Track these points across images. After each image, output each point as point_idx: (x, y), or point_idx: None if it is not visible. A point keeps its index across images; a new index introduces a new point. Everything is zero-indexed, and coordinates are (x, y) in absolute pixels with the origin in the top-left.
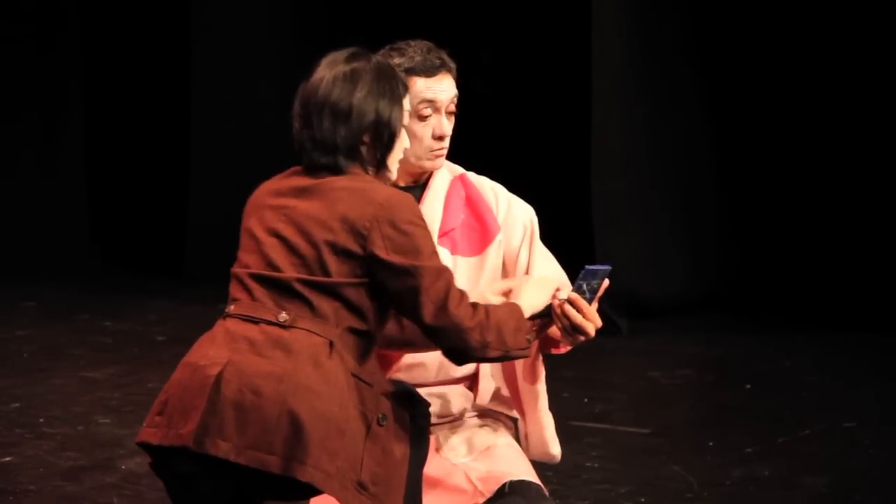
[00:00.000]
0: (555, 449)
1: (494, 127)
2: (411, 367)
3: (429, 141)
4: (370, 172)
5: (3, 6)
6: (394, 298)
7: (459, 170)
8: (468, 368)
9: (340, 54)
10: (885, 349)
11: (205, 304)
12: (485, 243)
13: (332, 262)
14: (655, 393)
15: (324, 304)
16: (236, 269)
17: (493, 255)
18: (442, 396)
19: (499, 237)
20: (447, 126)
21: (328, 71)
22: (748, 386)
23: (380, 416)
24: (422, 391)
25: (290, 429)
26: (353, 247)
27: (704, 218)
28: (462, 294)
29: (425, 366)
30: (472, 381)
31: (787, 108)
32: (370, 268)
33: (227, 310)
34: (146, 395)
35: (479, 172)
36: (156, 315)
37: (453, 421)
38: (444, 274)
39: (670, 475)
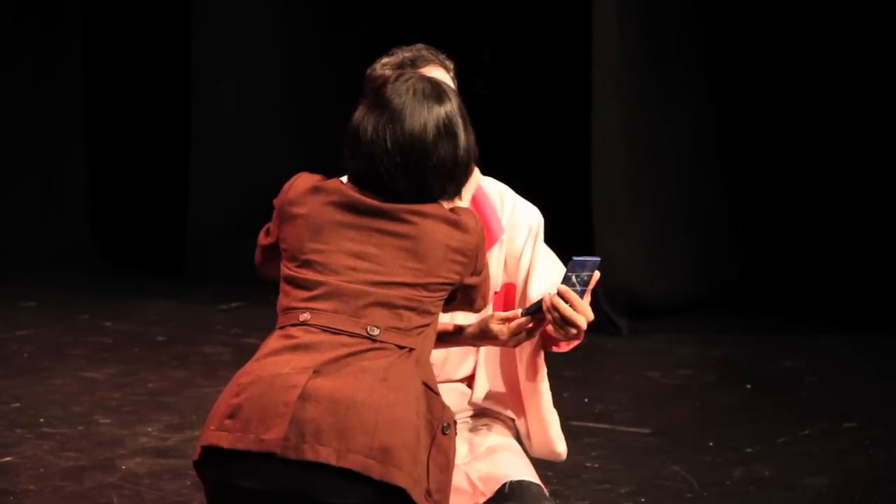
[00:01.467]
0: (560, 446)
1: (495, 127)
2: None
3: None
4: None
5: (4, 4)
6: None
7: None
8: (468, 367)
9: (421, 84)
10: (885, 349)
11: (205, 304)
12: (488, 245)
13: (430, 288)
14: (655, 393)
15: (412, 319)
16: (311, 278)
17: (496, 257)
18: (444, 395)
19: (501, 239)
20: None
21: (425, 114)
22: (748, 386)
23: (444, 424)
24: None
25: (385, 435)
26: (451, 276)
27: (705, 218)
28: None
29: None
30: (470, 381)
31: (787, 108)
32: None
33: (301, 318)
34: (146, 395)
35: (480, 172)
36: (156, 315)
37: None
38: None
39: (670, 475)
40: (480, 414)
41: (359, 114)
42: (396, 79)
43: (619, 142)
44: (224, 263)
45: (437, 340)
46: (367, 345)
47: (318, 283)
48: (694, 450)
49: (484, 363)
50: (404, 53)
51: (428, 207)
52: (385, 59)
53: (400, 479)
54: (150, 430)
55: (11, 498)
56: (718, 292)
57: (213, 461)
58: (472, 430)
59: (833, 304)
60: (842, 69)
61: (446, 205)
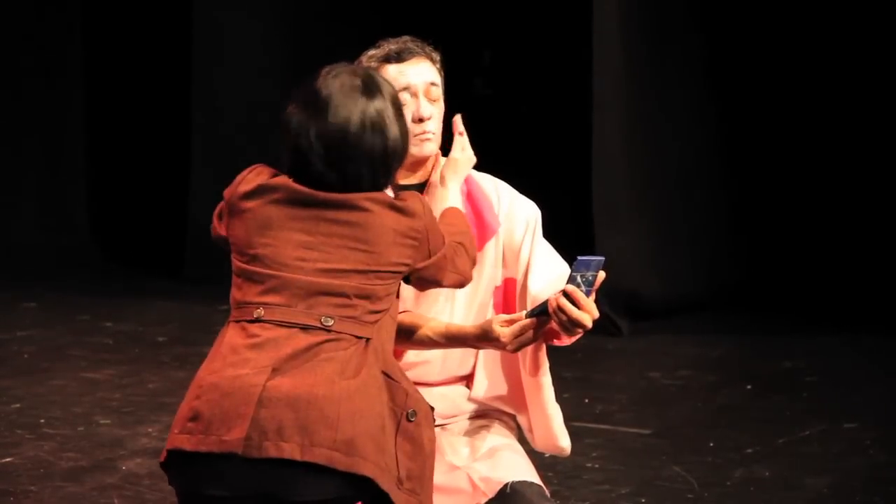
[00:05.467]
0: (564, 441)
1: (495, 127)
2: (415, 364)
3: (411, 126)
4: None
5: (4, 10)
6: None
7: None
8: (469, 366)
9: (350, 79)
10: (886, 349)
11: (205, 304)
12: (484, 240)
13: (382, 274)
14: (656, 393)
15: (366, 307)
16: (260, 272)
17: (492, 251)
18: (444, 396)
19: (497, 233)
20: (426, 107)
21: (350, 107)
22: (748, 386)
23: (409, 411)
24: (425, 391)
25: (348, 427)
26: (403, 259)
27: (705, 218)
28: (456, 248)
29: (429, 363)
30: (470, 379)
31: (787, 109)
32: (409, 273)
33: (255, 314)
34: (146, 395)
35: (477, 170)
36: (156, 315)
37: (456, 421)
38: (448, 245)
39: (671, 476)
40: (481, 414)
41: (291, 106)
42: (329, 71)
43: (619, 142)
44: (224, 263)
45: (436, 342)
46: (323, 336)
47: (269, 277)
48: (694, 450)
49: (484, 360)
50: (390, 46)
51: (372, 194)
52: (371, 52)
53: (365, 469)
54: (150, 430)
55: (12, 498)
56: (718, 293)
57: (177, 465)
58: (473, 430)
59: (833, 305)
60: (841, 70)
61: (390, 191)
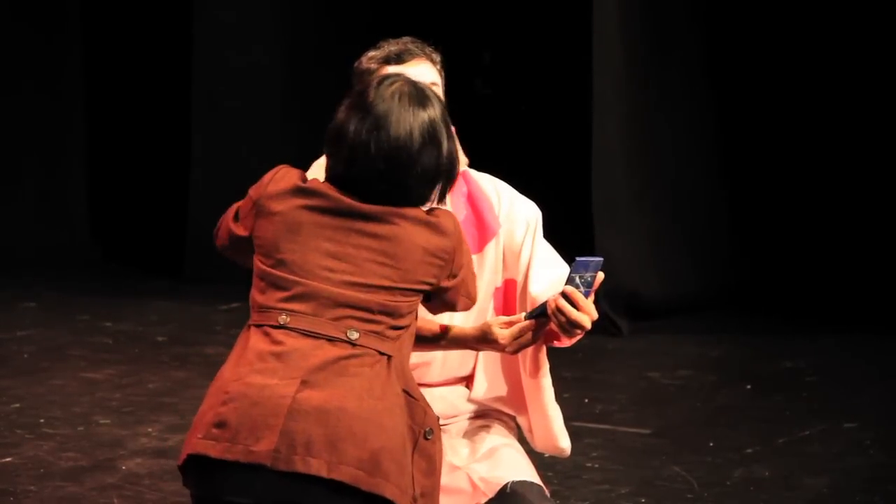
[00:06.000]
0: (564, 442)
1: (495, 127)
2: (416, 366)
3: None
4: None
5: (3, 4)
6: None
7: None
8: (469, 366)
9: (406, 88)
10: (885, 349)
11: (205, 304)
12: (484, 241)
13: (406, 291)
14: (656, 393)
15: (388, 323)
16: (287, 277)
17: (492, 252)
18: (444, 397)
19: (498, 234)
20: None
21: (410, 120)
22: (748, 386)
23: (427, 430)
24: (426, 392)
25: (374, 445)
26: (428, 278)
27: (705, 218)
28: (470, 266)
29: (430, 364)
30: (470, 379)
31: (787, 109)
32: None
33: (280, 320)
34: (146, 395)
35: (477, 170)
36: (156, 315)
37: (456, 422)
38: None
39: (671, 475)
40: (481, 414)
41: (342, 115)
42: (381, 81)
43: (619, 142)
44: (224, 263)
45: (436, 344)
46: (349, 350)
47: (295, 283)
48: (694, 450)
49: (484, 361)
50: (390, 47)
51: (407, 210)
52: (371, 53)
53: (387, 491)
54: (150, 430)
55: (12, 498)
56: (718, 292)
57: (198, 471)
58: (473, 431)
59: (833, 305)
60: (841, 71)
61: (425, 206)
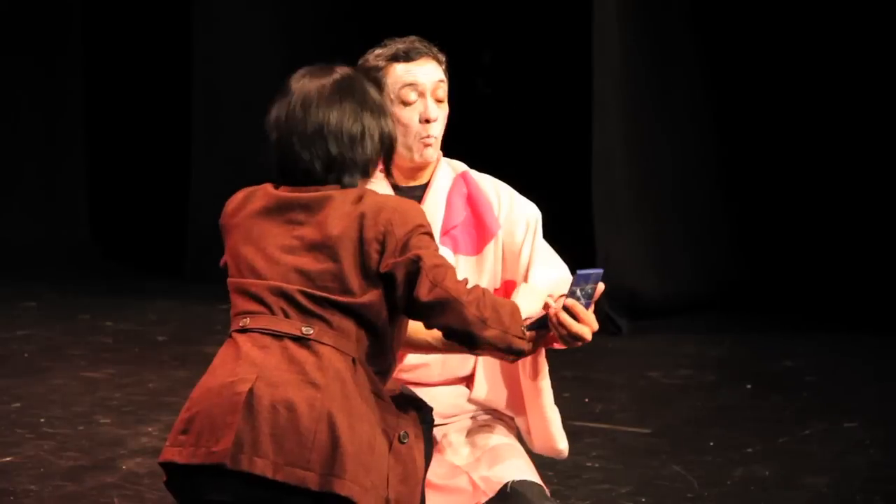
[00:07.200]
0: (562, 444)
1: (495, 127)
2: (416, 367)
3: (416, 126)
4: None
5: (4, 7)
6: (399, 297)
7: (462, 167)
8: (469, 367)
9: (318, 76)
10: (885, 349)
11: (205, 304)
12: (484, 242)
13: (353, 277)
14: (656, 393)
15: (344, 321)
16: (245, 282)
17: (492, 253)
18: (444, 397)
19: (497, 235)
20: (433, 109)
21: (331, 105)
22: (748, 386)
23: (401, 433)
24: (425, 392)
25: (326, 444)
26: (374, 255)
27: (705, 218)
28: (457, 275)
29: (429, 366)
30: (470, 380)
31: (786, 109)
32: (383, 275)
33: (241, 323)
34: (146, 395)
35: (477, 170)
36: (156, 315)
37: (456, 421)
38: (444, 260)
39: (671, 475)
40: (481, 415)
41: (273, 109)
42: (305, 73)
43: (619, 142)
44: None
45: (436, 347)
46: (306, 347)
47: (252, 286)
48: (694, 450)
49: (483, 363)
50: (398, 45)
51: (336, 192)
52: (378, 51)
53: (342, 489)
54: (150, 430)
55: (12, 498)
56: (718, 292)
57: (174, 477)
58: (473, 430)
59: (833, 305)
60: (840, 71)
61: (360, 184)
